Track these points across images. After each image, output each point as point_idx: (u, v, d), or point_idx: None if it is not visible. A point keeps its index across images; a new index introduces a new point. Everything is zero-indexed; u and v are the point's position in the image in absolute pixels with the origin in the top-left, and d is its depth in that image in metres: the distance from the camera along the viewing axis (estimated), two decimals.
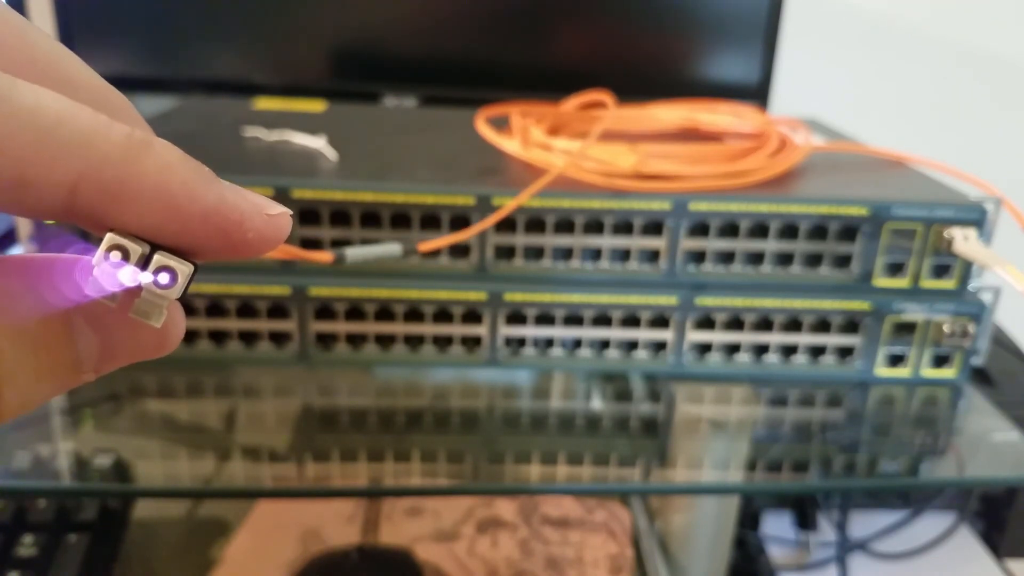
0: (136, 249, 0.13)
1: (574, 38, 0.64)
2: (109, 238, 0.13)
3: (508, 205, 0.38)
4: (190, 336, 0.40)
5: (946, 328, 0.41)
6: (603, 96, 0.46)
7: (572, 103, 0.49)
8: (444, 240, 0.37)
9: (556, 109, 0.50)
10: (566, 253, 0.41)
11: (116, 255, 0.13)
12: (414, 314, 0.41)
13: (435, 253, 0.40)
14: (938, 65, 0.79)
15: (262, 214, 0.14)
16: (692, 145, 0.43)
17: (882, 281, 0.41)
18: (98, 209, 0.13)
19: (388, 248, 0.36)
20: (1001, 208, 0.41)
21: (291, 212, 0.15)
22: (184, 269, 0.13)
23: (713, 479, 0.39)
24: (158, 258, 0.13)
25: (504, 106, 0.54)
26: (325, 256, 0.35)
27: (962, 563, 0.55)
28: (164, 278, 0.13)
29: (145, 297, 0.13)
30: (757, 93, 0.66)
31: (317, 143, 0.44)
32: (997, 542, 0.55)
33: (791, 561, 0.56)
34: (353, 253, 0.36)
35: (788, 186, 0.42)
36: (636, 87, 0.64)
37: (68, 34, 0.62)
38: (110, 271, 0.13)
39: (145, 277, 0.13)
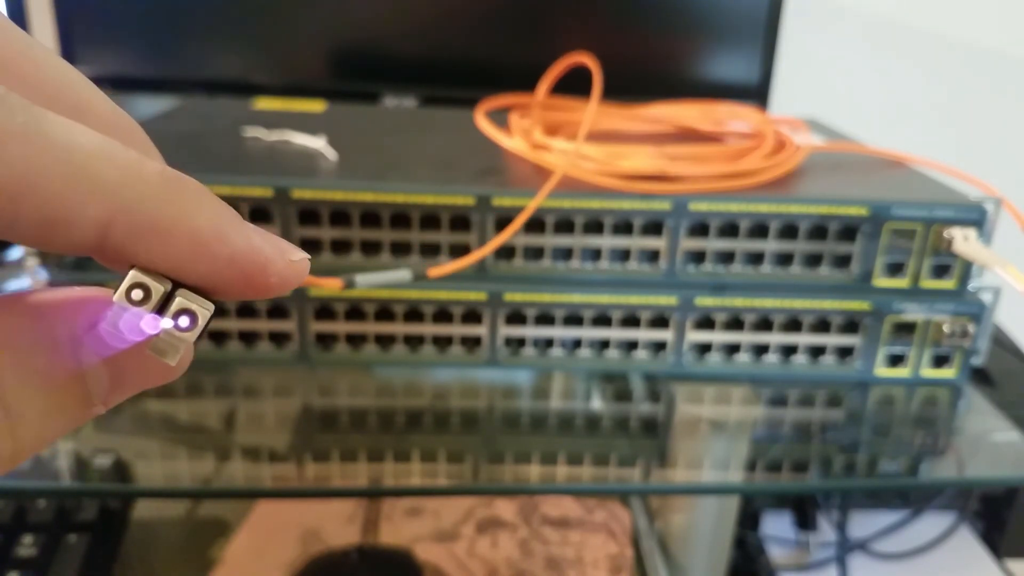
0: (158, 288, 0.13)
1: (574, 38, 0.64)
2: (132, 276, 0.13)
3: (514, 223, 0.38)
4: None
5: (946, 328, 0.41)
6: (585, 59, 0.46)
7: (555, 70, 0.48)
8: (453, 265, 0.37)
9: (556, 101, 0.50)
10: (566, 253, 0.41)
11: (138, 294, 0.13)
12: (414, 314, 0.41)
13: (435, 254, 0.40)
14: (938, 65, 0.79)
15: (285, 259, 0.14)
16: (692, 145, 0.43)
17: (882, 281, 0.41)
18: (127, 248, 0.12)
19: (398, 274, 0.36)
20: (1001, 208, 0.41)
21: (309, 257, 0.15)
22: (204, 312, 0.13)
23: (713, 479, 0.39)
24: (180, 300, 0.13)
25: (504, 97, 0.54)
26: (334, 283, 0.35)
27: (962, 563, 0.55)
28: (184, 321, 0.13)
29: (163, 337, 0.13)
30: (757, 93, 0.66)
31: (317, 143, 0.44)
32: (997, 542, 0.55)
33: (791, 561, 0.56)
34: (363, 280, 0.36)
35: (788, 186, 0.42)
36: (636, 87, 0.64)
37: (68, 34, 0.62)
38: (133, 320, 0.13)
39: (166, 323, 0.13)
